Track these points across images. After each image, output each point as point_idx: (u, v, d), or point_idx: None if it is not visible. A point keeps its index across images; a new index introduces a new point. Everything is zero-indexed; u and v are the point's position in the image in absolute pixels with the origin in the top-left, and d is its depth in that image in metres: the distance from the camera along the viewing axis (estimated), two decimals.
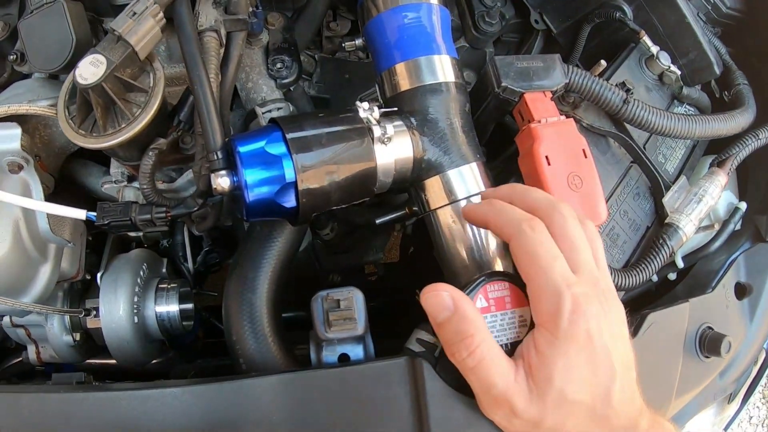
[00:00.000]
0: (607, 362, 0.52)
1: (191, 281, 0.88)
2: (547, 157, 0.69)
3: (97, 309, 0.82)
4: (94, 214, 0.68)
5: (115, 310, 0.81)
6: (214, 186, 0.61)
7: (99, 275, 0.83)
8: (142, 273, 0.84)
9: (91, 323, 0.83)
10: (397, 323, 0.86)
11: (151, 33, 0.64)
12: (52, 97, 0.74)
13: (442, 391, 0.60)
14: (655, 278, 0.82)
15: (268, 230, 0.67)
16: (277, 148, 0.61)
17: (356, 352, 0.61)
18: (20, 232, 0.76)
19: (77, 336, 0.85)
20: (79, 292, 0.88)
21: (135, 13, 0.61)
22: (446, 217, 0.68)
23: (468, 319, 0.53)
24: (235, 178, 0.62)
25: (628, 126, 0.80)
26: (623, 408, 0.53)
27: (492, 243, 0.67)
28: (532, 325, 0.57)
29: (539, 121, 0.70)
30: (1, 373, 0.97)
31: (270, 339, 0.65)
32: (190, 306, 0.85)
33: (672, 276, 0.85)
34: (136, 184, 0.75)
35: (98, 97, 0.62)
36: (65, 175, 0.85)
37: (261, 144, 0.61)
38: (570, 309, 0.50)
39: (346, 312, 0.56)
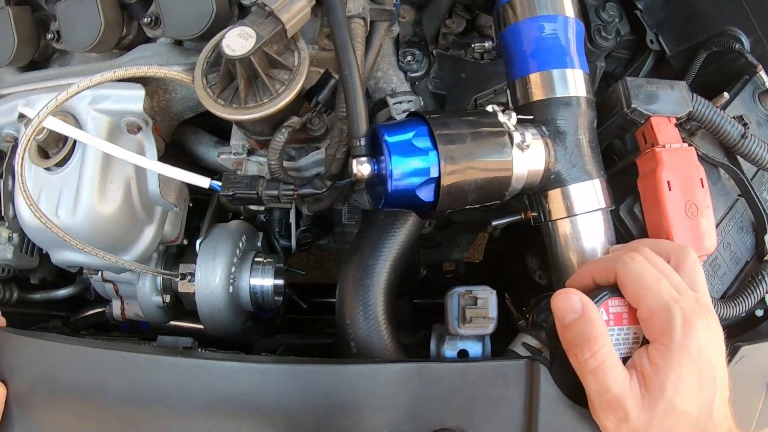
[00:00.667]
0: (712, 376, 0.55)
1: (283, 258, 0.89)
2: (669, 182, 0.69)
3: (191, 274, 0.83)
4: (218, 183, 0.69)
5: (211, 278, 0.82)
6: (354, 171, 0.62)
7: (198, 242, 0.85)
8: (240, 244, 0.85)
9: (183, 287, 0.84)
10: None
11: (302, 13, 0.64)
12: (184, 64, 0.74)
13: (555, 396, 0.61)
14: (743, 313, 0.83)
15: (390, 220, 0.67)
16: (424, 142, 0.62)
17: (475, 349, 0.62)
18: (131, 191, 0.77)
19: (167, 298, 0.86)
20: (173, 256, 0.89)
21: None
22: (565, 229, 0.70)
23: (594, 322, 0.57)
24: (376, 167, 0.63)
25: (739, 159, 0.80)
26: (721, 422, 0.55)
27: None
28: (644, 342, 0.59)
29: (663, 146, 0.71)
30: (76, 322, 0.98)
31: (383, 326, 0.66)
32: (281, 282, 0.86)
33: (759, 312, 0.86)
34: (256, 158, 0.75)
35: (244, 70, 0.62)
36: (174, 141, 0.86)
37: (408, 136, 0.62)
38: (681, 322, 0.54)
39: (482, 310, 0.58)
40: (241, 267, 0.84)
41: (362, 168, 0.62)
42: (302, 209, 0.78)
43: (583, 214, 0.68)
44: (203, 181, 0.68)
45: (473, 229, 1.03)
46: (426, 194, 0.62)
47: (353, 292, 0.67)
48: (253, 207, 0.73)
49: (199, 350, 0.71)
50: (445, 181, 0.61)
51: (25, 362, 0.64)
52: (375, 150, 0.64)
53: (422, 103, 0.75)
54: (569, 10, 0.71)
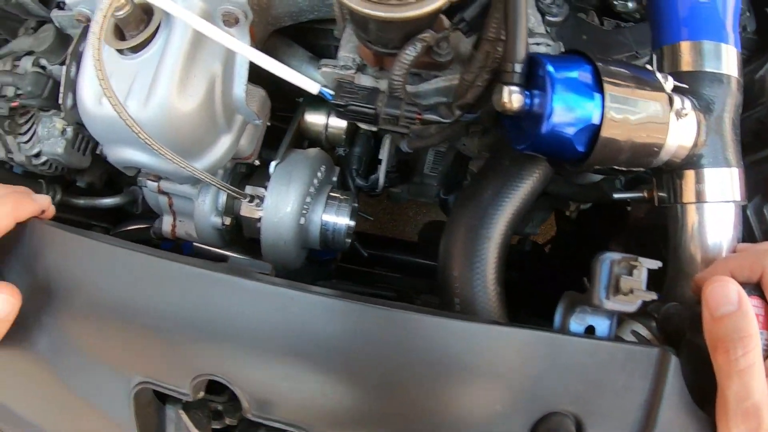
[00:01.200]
0: None
1: (357, 198, 0.80)
2: None
3: (260, 198, 0.74)
4: (330, 91, 0.60)
5: (283, 205, 0.73)
6: (503, 101, 0.54)
7: (273, 163, 0.75)
8: (319, 174, 0.76)
9: (248, 211, 0.75)
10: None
11: None
12: None
13: (680, 394, 0.54)
14: None
15: (517, 168, 0.59)
16: (589, 84, 0.53)
17: (603, 327, 0.55)
18: (214, 90, 0.68)
19: (226, 220, 0.77)
20: (240, 176, 0.80)
21: None
22: (694, 215, 0.62)
23: (749, 318, 0.50)
24: (528, 100, 0.54)
25: None
26: None
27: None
28: None
29: None
30: (117, 235, 0.89)
31: (493, 285, 0.59)
32: (353, 223, 0.78)
33: None
34: (368, 76, 0.66)
35: None
36: (262, 50, 0.76)
37: (574, 74, 0.53)
38: None
39: (635, 282, 0.50)
40: (317, 199, 0.76)
41: (514, 98, 0.53)
42: (401, 145, 0.69)
43: (716, 203, 0.62)
44: (312, 86, 0.59)
45: (551, 205, 0.95)
46: (581, 143, 0.54)
47: (466, 242, 0.59)
48: (363, 125, 0.64)
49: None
50: (605, 132, 0.53)
51: (74, 264, 0.55)
52: (528, 82, 0.55)
53: (562, 49, 0.66)
54: None
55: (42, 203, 0.62)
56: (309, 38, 0.80)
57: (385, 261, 1.02)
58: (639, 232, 0.85)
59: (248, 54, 0.59)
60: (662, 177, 0.65)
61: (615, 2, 0.74)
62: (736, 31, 0.65)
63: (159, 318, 0.53)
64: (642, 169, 0.60)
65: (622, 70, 0.56)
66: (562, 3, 0.69)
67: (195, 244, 0.83)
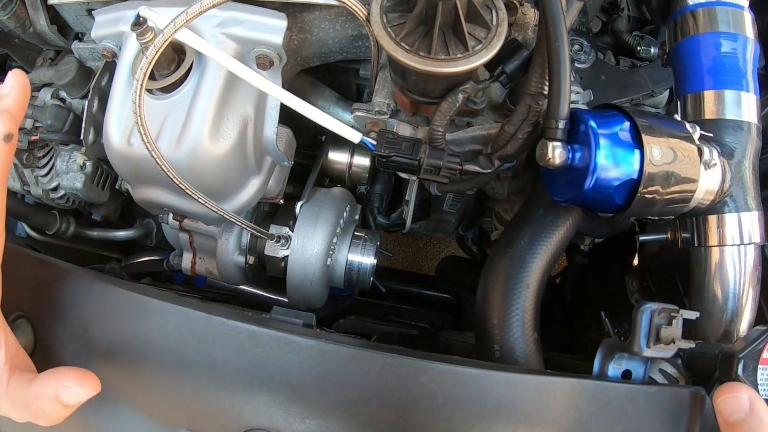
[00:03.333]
0: None
1: (379, 236, 0.81)
2: None
3: (286, 238, 0.74)
4: (372, 141, 0.61)
5: (309, 246, 0.73)
6: (547, 156, 0.55)
7: (299, 204, 0.75)
8: (344, 214, 0.76)
9: (273, 251, 0.75)
10: None
11: None
12: None
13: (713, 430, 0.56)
14: None
15: (552, 216, 0.61)
16: (628, 140, 0.55)
17: (639, 371, 0.57)
18: (247, 133, 0.68)
19: (251, 259, 0.77)
20: (263, 215, 0.80)
21: None
22: (717, 258, 0.65)
23: (764, 421, 0.51)
24: (570, 155, 0.56)
25: None
26: None
27: (750, 295, 0.64)
28: None
29: None
30: (129, 266, 0.87)
31: (531, 331, 0.60)
32: (376, 261, 0.78)
33: None
34: (402, 122, 0.67)
35: (444, 15, 0.54)
36: (289, 89, 0.76)
37: (615, 129, 0.55)
38: None
39: (675, 332, 0.52)
40: (342, 239, 0.76)
41: (557, 153, 0.55)
42: (431, 188, 0.70)
43: (738, 246, 0.64)
44: (354, 135, 0.60)
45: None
46: (620, 196, 0.56)
47: (505, 289, 0.60)
48: (404, 174, 0.65)
49: (318, 329, 0.61)
50: (644, 187, 0.55)
51: (119, 319, 0.54)
52: (570, 137, 0.57)
53: (591, 97, 0.69)
54: (749, 30, 0.67)
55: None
56: (332, 76, 0.81)
57: (400, 294, 1.03)
58: (653, 267, 0.88)
59: (288, 101, 0.60)
60: (686, 220, 0.68)
61: (639, 48, 0.77)
62: (755, 77, 0.69)
63: (210, 372, 0.52)
64: (672, 216, 0.62)
65: (656, 123, 0.58)
66: (589, 50, 0.72)
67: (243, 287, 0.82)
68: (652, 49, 0.76)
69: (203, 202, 0.65)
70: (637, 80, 0.85)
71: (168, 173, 0.61)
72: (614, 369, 0.57)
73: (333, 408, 0.51)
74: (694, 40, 0.67)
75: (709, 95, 0.66)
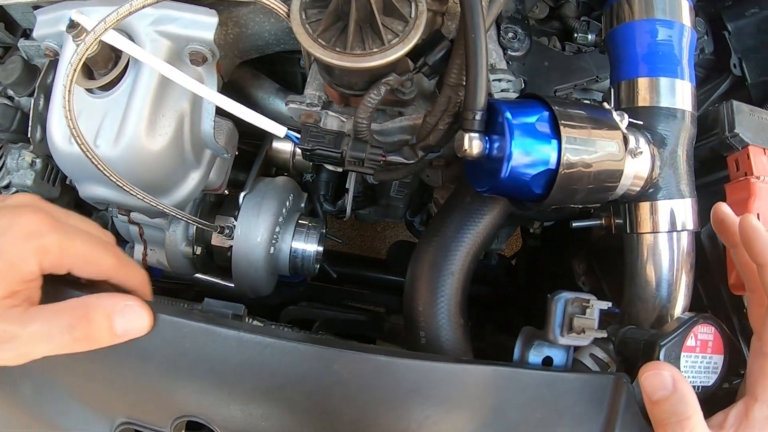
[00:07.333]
0: None
1: (326, 223, 0.82)
2: (758, 214, 0.67)
3: (231, 228, 0.76)
4: (296, 134, 0.62)
5: (253, 235, 0.75)
6: (464, 147, 0.56)
7: (242, 194, 0.77)
8: (287, 203, 0.78)
9: (219, 241, 0.76)
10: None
11: None
12: None
13: (634, 420, 0.58)
14: None
15: (479, 204, 0.62)
16: (546, 129, 0.56)
17: (560, 357, 0.58)
18: (183, 129, 0.69)
19: (198, 249, 0.78)
20: (209, 206, 0.81)
21: None
22: (649, 245, 0.66)
23: (686, 400, 0.53)
24: (488, 146, 0.57)
25: None
26: None
27: (683, 281, 0.65)
28: (722, 376, 0.59)
29: (758, 177, 0.68)
30: None
31: (456, 318, 0.61)
32: (322, 249, 0.80)
33: None
34: (334, 113, 0.67)
35: (358, 10, 0.55)
36: (229, 82, 0.77)
37: (531, 119, 0.56)
38: None
39: (588, 321, 0.53)
40: (285, 228, 0.77)
41: (474, 144, 0.55)
42: (368, 178, 0.71)
43: (670, 233, 0.65)
44: (279, 129, 0.60)
45: (515, 222, 0.98)
46: (538, 186, 0.57)
47: (430, 277, 0.61)
48: (329, 166, 0.66)
49: (248, 320, 0.63)
50: (562, 176, 0.56)
51: None
52: (488, 127, 0.57)
53: (522, 85, 0.69)
54: (686, 18, 0.67)
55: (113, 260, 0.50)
56: (276, 66, 0.81)
57: (354, 278, 1.04)
58: (600, 250, 0.89)
59: (215, 99, 0.60)
60: (619, 206, 0.69)
61: (575, 34, 0.77)
62: (692, 65, 0.69)
63: (142, 363, 0.54)
64: (598, 204, 0.63)
65: (579, 111, 0.58)
66: (524, 38, 0.72)
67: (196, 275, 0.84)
68: (590, 36, 0.75)
69: (141, 198, 0.66)
70: (581, 66, 0.84)
71: (104, 171, 0.62)
72: (534, 356, 0.58)
73: (253, 395, 0.53)
74: (629, 26, 0.66)
75: (643, 82, 0.66)
